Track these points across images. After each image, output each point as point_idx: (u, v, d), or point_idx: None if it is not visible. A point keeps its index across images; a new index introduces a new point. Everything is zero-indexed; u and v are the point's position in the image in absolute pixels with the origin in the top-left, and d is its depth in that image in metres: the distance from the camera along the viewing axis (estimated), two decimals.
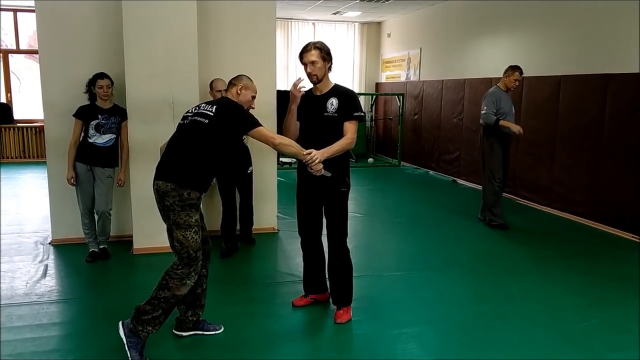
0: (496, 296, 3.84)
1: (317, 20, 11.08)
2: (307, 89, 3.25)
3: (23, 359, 2.84)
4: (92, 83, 4.21)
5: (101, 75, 4.21)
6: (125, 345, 2.71)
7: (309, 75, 3.14)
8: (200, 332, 3.12)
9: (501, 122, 5.29)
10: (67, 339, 3.09)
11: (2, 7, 9.19)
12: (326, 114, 3.13)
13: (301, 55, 3.15)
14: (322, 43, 3.17)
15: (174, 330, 3.10)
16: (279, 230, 5.36)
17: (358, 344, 3.15)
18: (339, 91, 3.19)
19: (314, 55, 3.10)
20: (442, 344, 3.11)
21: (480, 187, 7.68)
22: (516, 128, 5.28)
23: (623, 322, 3.40)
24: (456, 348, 3.05)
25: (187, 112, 2.98)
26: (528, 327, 3.31)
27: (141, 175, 4.31)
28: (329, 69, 3.18)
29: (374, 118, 11.35)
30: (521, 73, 5.33)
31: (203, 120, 2.83)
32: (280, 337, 3.17)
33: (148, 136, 4.36)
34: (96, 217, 4.35)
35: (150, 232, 4.41)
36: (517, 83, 5.35)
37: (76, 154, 4.21)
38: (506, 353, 2.99)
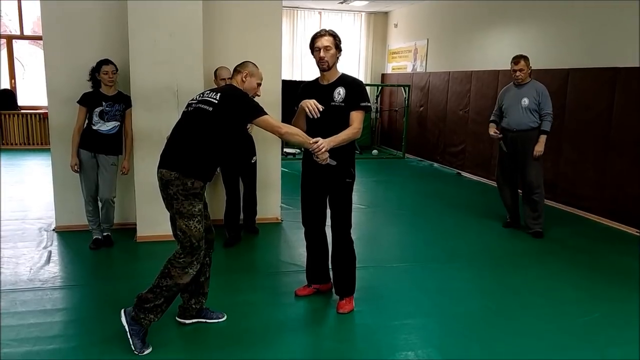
0: (499, 289, 3.83)
1: (323, 9, 11.00)
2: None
3: (26, 344, 2.85)
4: (96, 70, 4.20)
5: (106, 61, 4.19)
6: (128, 333, 2.72)
7: (320, 61, 3.10)
8: (203, 320, 3.12)
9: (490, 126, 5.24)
10: (70, 325, 3.10)
11: None
12: (333, 103, 3.10)
13: (313, 41, 3.12)
14: (335, 31, 3.14)
15: (176, 318, 3.11)
16: (282, 220, 5.35)
17: (360, 334, 3.15)
18: (346, 80, 3.16)
19: (327, 40, 3.07)
20: (444, 335, 3.10)
21: (484, 180, 7.71)
22: (490, 132, 5.18)
23: (625, 317, 3.39)
24: (458, 340, 3.04)
25: (192, 99, 2.95)
26: (530, 320, 3.30)
27: (145, 163, 4.30)
28: (338, 59, 3.16)
29: (379, 109, 11.30)
30: (516, 62, 4.90)
31: (207, 107, 2.80)
32: (282, 326, 3.17)
33: (152, 124, 4.34)
34: (100, 204, 4.36)
35: (153, 220, 4.41)
36: (515, 74, 4.94)
37: (80, 141, 4.20)
38: (508, 345, 2.99)
